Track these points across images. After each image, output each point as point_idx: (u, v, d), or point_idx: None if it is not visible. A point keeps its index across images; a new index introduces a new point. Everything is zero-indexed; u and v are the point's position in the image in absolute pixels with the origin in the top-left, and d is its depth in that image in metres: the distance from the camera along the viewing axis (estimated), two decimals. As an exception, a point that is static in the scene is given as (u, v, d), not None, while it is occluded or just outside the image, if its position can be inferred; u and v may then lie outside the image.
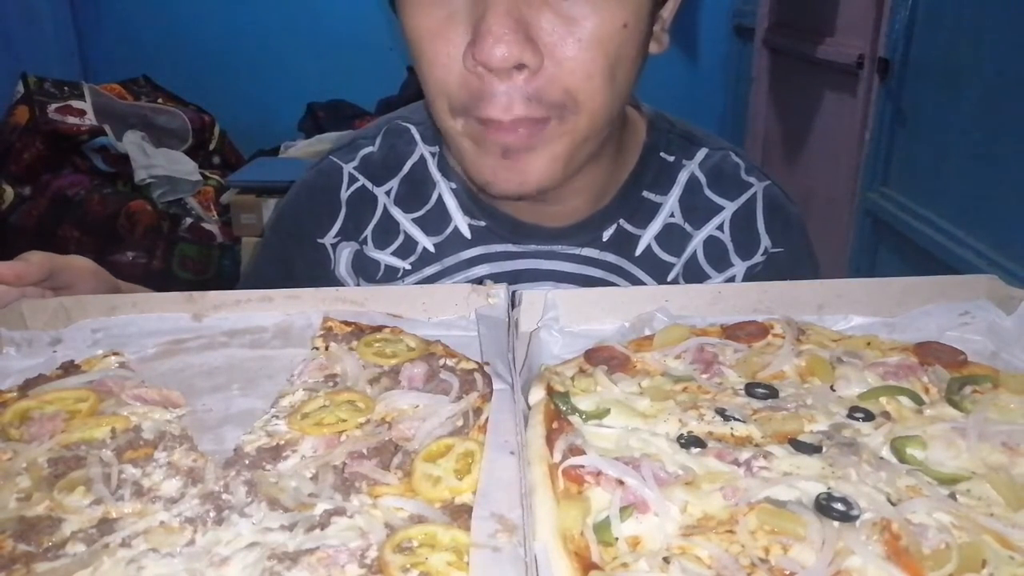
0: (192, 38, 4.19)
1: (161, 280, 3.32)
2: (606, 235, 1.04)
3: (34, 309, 0.87)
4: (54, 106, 3.54)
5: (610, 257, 1.04)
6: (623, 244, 1.05)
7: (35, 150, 3.45)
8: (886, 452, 0.64)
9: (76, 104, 3.61)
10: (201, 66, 4.16)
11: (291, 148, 3.69)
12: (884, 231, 2.62)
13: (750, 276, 1.05)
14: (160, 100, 3.92)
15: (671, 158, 1.07)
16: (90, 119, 3.58)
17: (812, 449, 0.63)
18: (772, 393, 0.72)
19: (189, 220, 3.50)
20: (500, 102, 0.80)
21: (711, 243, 1.05)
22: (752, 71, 3.95)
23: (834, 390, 0.73)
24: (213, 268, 3.46)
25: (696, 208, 1.06)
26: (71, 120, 3.54)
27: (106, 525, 0.57)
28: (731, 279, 1.05)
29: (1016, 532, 0.54)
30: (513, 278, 1.03)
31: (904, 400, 0.71)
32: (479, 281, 1.01)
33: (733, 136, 4.21)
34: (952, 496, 0.58)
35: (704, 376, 0.75)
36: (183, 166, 3.64)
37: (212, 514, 0.57)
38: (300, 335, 0.86)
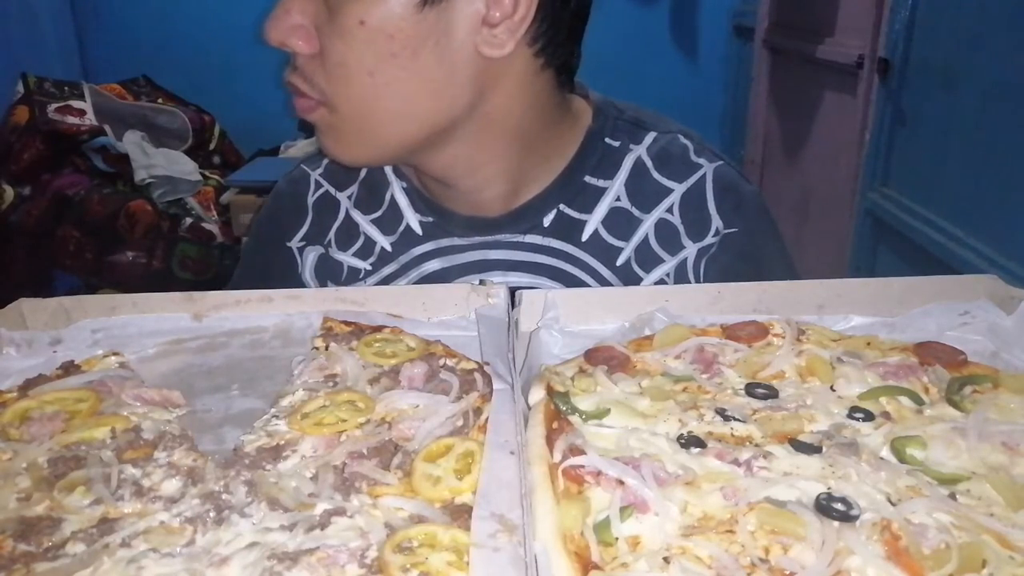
0: (192, 38, 4.19)
1: (161, 280, 3.32)
2: (547, 220, 1.05)
3: (34, 309, 0.87)
4: (54, 106, 3.54)
5: (554, 243, 1.05)
6: (567, 229, 1.05)
7: (35, 150, 3.45)
8: (886, 452, 0.64)
9: (76, 104, 3.60)
10: (201, 66, 4.15)
11: (291, 148, 3.69)
12: (884, 231, 2.61)
13: (704, 257, 1.05)
14: (160, 100, 3.92)
15: (616, 143, 1.07)
16: (90, 119, 3.58)
17: (812, 449, 0.63)
18: (772, 393, 0.72)
19: (189, 220, 3.50)
20: (290, 66, 0.93)
21: (662, 226, 1.05)
22: (752, 71, 3.94)
23: (834, 390, 0.73)
24: (213, 268, 3.46)
25: (643, 192, 1.06)
26: (71, 120, 3.54)
27: (106, 525, 0.57)
28: (683, 261, 1.05)
29: (1016, 532, 0.54)
30: (464, 270, 1.05)
31: (904, 400, 0.71)
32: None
33: (733, 136, 4.21)
34: (952, 496, 0.58)
35: (704, 376, 0.76)
36: (183, 166, 3.63)
37: (212, 514, 0.57)
38: (300, 335, 0.86)
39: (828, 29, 3.10)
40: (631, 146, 1.07)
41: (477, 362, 0.77)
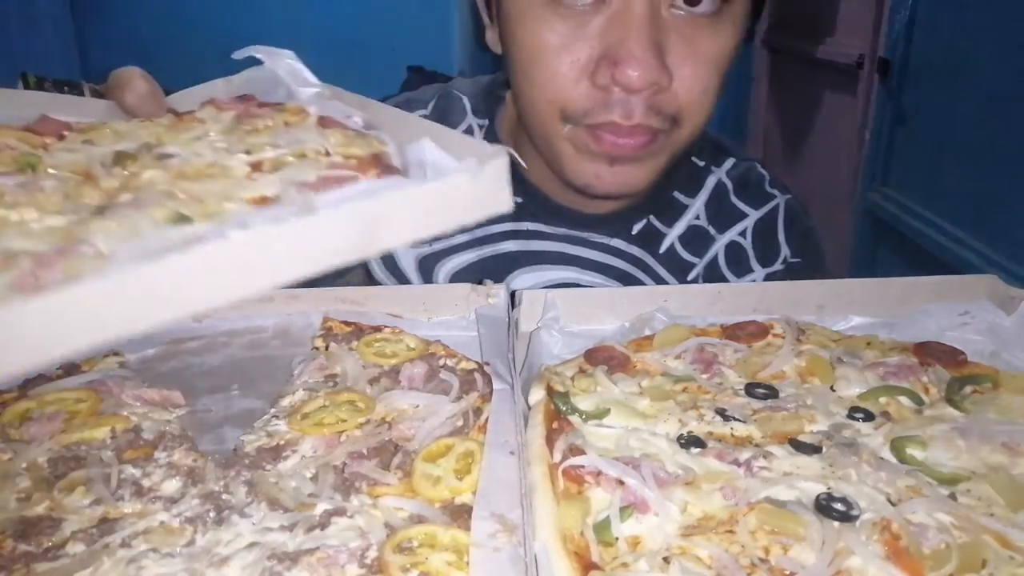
0: (192, 38, 4.19)
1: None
2: (635, 228, 1.08)
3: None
4: (54, 106, 3.54)
5: (636, 251, 1.07)
6: (650, 240, 1.08)
7: (35, 150, 3.45)
8: (886, 452, 0.64)
9: (76, 104, 3.61)
10: (201, 66, 4.16)
11: (291, 148, 3.68)
12: (884, 231, 2.61)
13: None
14: (160, 100, 3.92)
15: (701, 163, 1.12)
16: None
17: (812, 449, 0.63)
18: (772, 393, 0.72)
19: (189, 220, 3.50)
20: (622, 110, 0.84)
21: (732, 248, 1.09)
22: (752, 71, 3.94)
23: (834, 390, 0.73)
24: (213, 268, 3.47)
25: (721, 213, 1.10)
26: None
27: (106, 525, 0.57)
28: None
29: (1016, 532, 0.54)
30: (538, 258, 1.06)
31: (904, 400, 0.71)
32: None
33: (733, 136, 4.19)
34: (952, 496, 0.58)
35: (704, 376, 0.76)
36: (183, 166, 3.63)
37: (212, 514, 0.57)
38: (300, 335, 0.86)
39: (828, 29, 3.10)
40: (713, 167, 1.12)
41: (477, 362, 0.77)
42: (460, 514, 0.57)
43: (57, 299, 0.43)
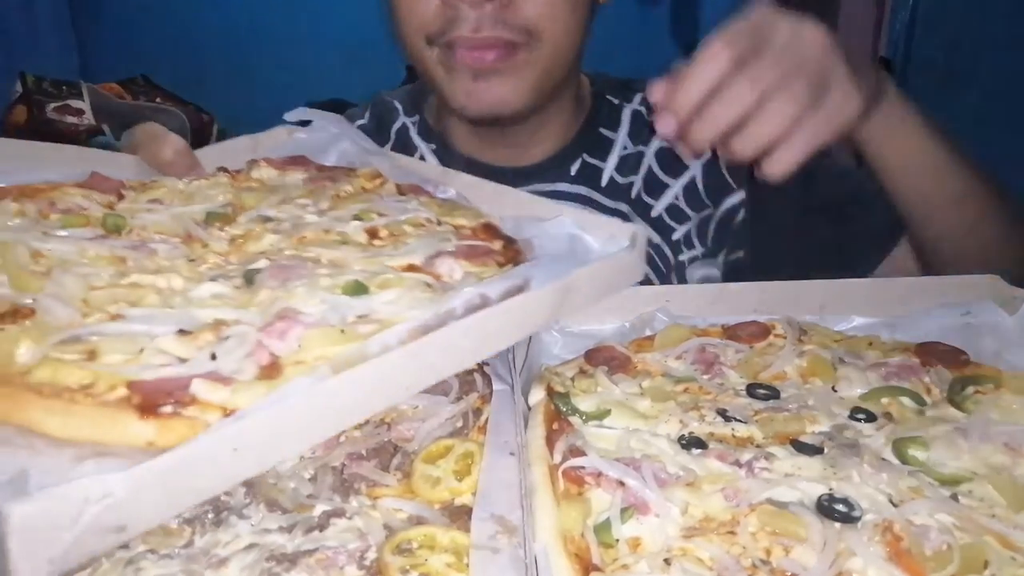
0: (192, 38, 4.18)
1: (160, 280, 3.32)
2: (573, 169, 1.16)
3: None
4: (52, 105, 3.53)
5: (581, 190, 1.15)
6: (590, 176, 1.16)
7: (34, 150, 3.44)
8: (888, 453, 0.64)
9: (74, 103, 3.60)
10: (201, 66, 4.15)
11: (290, 148, 3.68)
12: (884, 231, 2.61)
13: (710, 173, 1.16)
14: (158, 99, 3.91)
15: (616, 100, 1.21)
16: (88, 118, 3.57)
17: (813, 450, 0.63)
18: (773, 394, 0.72)
19: (188, 220, 3.49)
20: (470, 24, 0.93)
21: (662, 154, 1.16)
22: (752, 71, 3.94)
23: (836, 391, 0.73)
24: (212, 268, 3.46)
25: (642, 132, 1.18)
26: (69, 119, 3.53)
27: (104, 526, 0.57)
28: (692, 181, 1.16)
29: (1018, 533, 0.54)
30: None
31: (906, 401, 0.70)
32: None
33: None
34: (954, 497, 0.58)
35: (705, 377, 0.75)
36: (182, 166, 3.63)
37: (210, 515, 0.57)
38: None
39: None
40: (625, 104, 1.21)
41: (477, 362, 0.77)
42: (460, 515, 0.56)
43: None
